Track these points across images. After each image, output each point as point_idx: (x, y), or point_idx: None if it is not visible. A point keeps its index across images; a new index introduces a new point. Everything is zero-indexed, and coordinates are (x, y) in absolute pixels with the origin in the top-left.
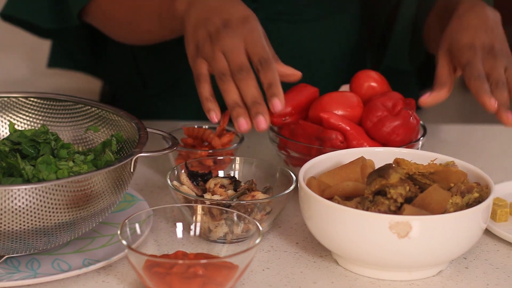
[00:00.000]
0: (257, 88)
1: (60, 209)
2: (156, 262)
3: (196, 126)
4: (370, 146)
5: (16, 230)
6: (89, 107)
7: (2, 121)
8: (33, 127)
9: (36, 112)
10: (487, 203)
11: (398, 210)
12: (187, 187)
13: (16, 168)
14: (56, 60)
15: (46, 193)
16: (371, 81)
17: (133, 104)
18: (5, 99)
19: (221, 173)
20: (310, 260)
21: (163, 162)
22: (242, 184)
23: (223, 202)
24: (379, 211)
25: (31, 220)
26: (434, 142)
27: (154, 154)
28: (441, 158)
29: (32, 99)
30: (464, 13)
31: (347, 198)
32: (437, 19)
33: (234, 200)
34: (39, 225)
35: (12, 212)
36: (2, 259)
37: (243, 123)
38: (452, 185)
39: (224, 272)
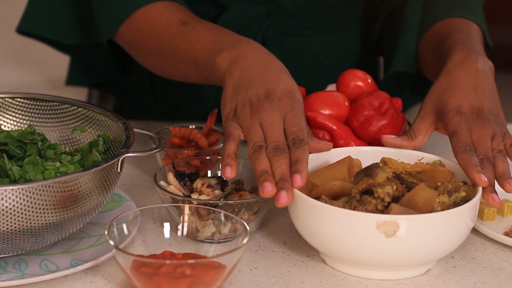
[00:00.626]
0: (288, 165)
1: (47, 209)
2: (144, 262)
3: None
4: (357, 145)
5: (3, 230)
6: (76, 107)
7: None
8: (19, 128)
9: (22, 113)
10: (474, 202)
11: (385, 209)
12: (174, 187)
13: (2, 168)
14: (74, 78)
15: (33, 193)
16: (358, 80)
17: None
18: None
19: (208, 173)
20: (298, 259)
21: (150, 162)
22: (229, 184)
23: (211, 202)
24: (367, 211)
25: (18, 220)
26: None
27: (141, 154)
28: (428, 157)
29: (18, 99)
30: (453, 69)
31: (335, 197)
32: (430, 48)
33: (221, 200)
34: (26, 226)
35: None
36: None
37: (268, 186)
38: (439, 184)
39: (212, 272)
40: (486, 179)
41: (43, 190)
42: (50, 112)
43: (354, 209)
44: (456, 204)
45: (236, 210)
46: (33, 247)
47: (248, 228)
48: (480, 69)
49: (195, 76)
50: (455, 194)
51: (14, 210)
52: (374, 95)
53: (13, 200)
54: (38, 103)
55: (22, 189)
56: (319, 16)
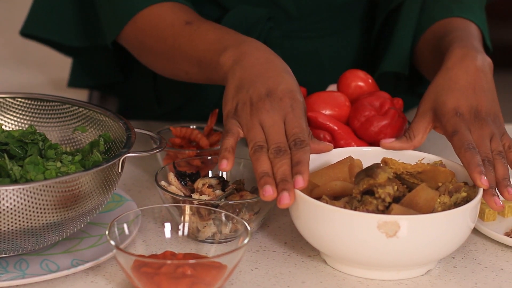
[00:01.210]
0: (289, 166)
1: (48, 209)
2: (145, 262)
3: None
4: (358, 145)
5: (4, 230)
6: (77, 107)
7: None
8: (20, 128)
9: (23, 113)
10: (475, 202)
11: (386, 210)
12: (175, 187)
13: (3, 168)
14: (76, 80)
15: (34, 193)
16: (359, 80)
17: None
18: None
19: (209, 173)
20: (299, 259)
21: (151, 162)
22: (230, 184)
23: (211, 202)
24: (367, 211)
25: (19, 220)
26: None
27: (142, 154)
28: (429, 158)
29: (19, 99)
30: (453, 67)
31: (335, 197)
32: (428, 48)
33: (222, 200)
34: (27, 226)
35: (0, 212)
36: None
37: (269, 190)
38: (440, 184)
39: (213, 272)
40: (487, 181)
41: (44, 190)
42: (51, 112)
43: (355, 209)
44: (457, 204)
45: (237, 210)
46: (34, 247)
47: (249, 228)
48: (480, 67)
49: (198, 75)
50: (456, 195)
51: (15, 210)
52: (375, 96)
53: (14, 200)
54: (39, 103)
55: (23, 189)
56: (321, 19)
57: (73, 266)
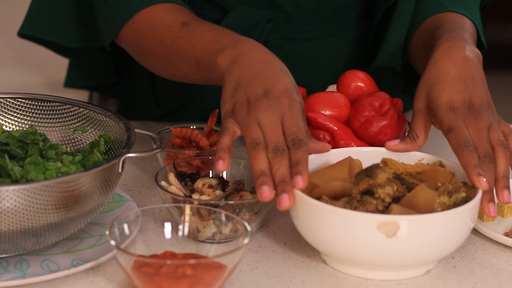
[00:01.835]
0: (288, 167)
1: (48, 209)
2: (145, 262)
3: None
4: (357, 146)
5: (5, 230)
6: (77, 108)
7: None
8: (21, 128)
9: (24, 113)
10: (474, 202)
11: (385, 210)
12: (175, 188)
13: (4, 169)
14: (73, 80)
15: (35, 193)
16: (358, 81)
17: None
18: None
19: (209, 174)
20: (299, 260)
21: (151, 163)
22: (230, 184)
23: (211, 202)
24: (367, 211)
25: (20, 220)
26: None
27: (142, 155)
28: (428, 158)
29: (20, 100)
30: (441, 58)
31: (335, 198)
32: (421, 43)
33: (222, 200)
34: (28, 226)
35: (1, 213)
36: None
37: (266, 191)
38: (439, 184)
39: (213, 272)
40: (487, 183)
41: (45, 190)
42: (51, 112)
43: (355, 209)
44: (456, 204)
45: (237, 210)
46: (35, 247)
47: (249, 228)
48: (468, 57)
49: (196, 76)
50: (456, 195)
51: (15, 210)
52: (374, 96)
53: (15, 200)
54: (39, 103)
55: (24, 189)
56: (320, 20)
57: (74, 266)
